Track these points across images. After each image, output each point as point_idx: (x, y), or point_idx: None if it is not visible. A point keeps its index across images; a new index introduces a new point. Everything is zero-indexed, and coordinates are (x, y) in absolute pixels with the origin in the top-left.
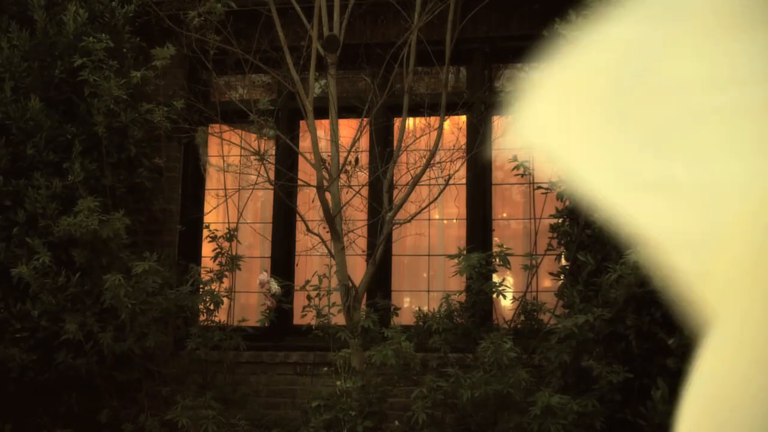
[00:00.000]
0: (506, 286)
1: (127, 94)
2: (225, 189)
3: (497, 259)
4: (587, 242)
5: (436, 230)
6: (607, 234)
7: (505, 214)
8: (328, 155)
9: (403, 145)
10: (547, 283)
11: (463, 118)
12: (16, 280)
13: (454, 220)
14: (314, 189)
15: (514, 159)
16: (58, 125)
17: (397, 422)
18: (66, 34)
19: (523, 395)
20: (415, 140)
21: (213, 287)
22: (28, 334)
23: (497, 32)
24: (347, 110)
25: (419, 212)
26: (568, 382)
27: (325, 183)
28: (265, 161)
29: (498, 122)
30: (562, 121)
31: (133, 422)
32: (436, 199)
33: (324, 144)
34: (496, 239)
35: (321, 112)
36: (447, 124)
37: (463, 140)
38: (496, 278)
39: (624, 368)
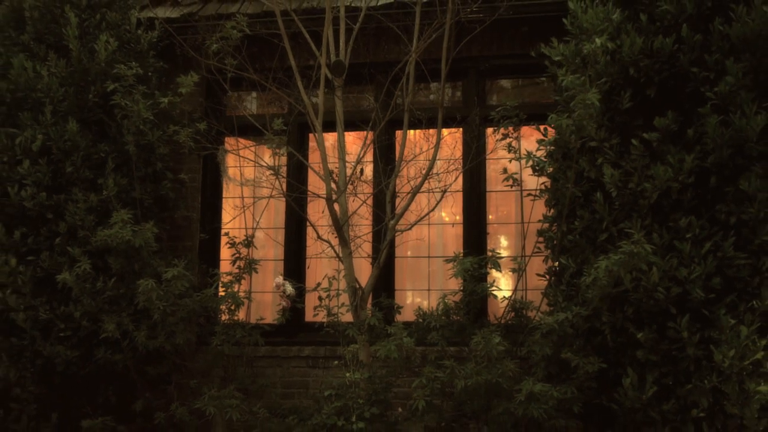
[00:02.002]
0: (497, 287)
1: (153, 114)
2: (242, 198)
3: (489, 263)
4: (569, 247)
5: (436, 233)
6: (585, 240)
7: (497, 217)
8: (336, 166)
9: (404, 158)
10: (537, 281)
11: (460, 129)
12: (60, 285)
13: (452, 225)
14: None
15: (505, 171)
16: (92, 144)
17: (400, 409)
18: (98, 62)
19: (511, 384)
20: (414, 157)
21: (234, 288)
22: (71, 333)
23: (490, 51)
24: (352, 124)
25: (419, 221)
26: (551, 372)
27: (334, 195)
28: (279, 175)
29: (491, 133)
30: None
31: (165, 411)
32: (433, 209)
33: (331, 155)
34: (497, 239)
35: (328, 126)
36: (445, 132)
37: (459, 150)
38: (497, 275)
39: (599, 359)
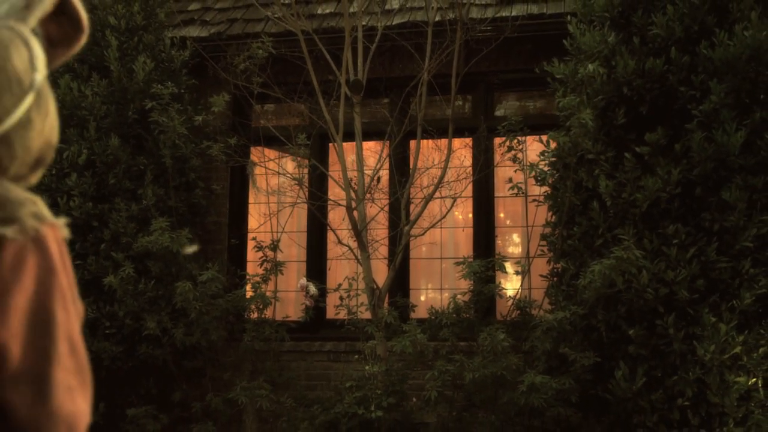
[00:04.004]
0: (503, 287)
1: (186, 129)
2: (268, 204)
3: (496, 266)
4: (568, 251)
5: (448, 236)
6: (583, 245)
7: (504, 221)
8: (354, 174)
9: (417, 167)
10: (541, 281)
11: (470, 139)
12: (106, 287)
13: (462, 229)
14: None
15: (510, 181)
16: (132, 158)
17: (415, 399)
18: (136, 81)
19: (515, 376)
20: (426, 170)
21: (262, 288)
22: (115, 330)
23: (497, 66)
24: (369, 134)
25: (431, 226)
26: (552, 365)
27: (353, 203)
28: (302, 185)
29: (498, 144)
30: None
31: (201, 401)
32: (444, 216)
33: (349, 164)
34: (505, 241)
35: (347, 136)
36: (456, 143)
37: (469, 159)
38: (504, 275)
39: (594, 354)
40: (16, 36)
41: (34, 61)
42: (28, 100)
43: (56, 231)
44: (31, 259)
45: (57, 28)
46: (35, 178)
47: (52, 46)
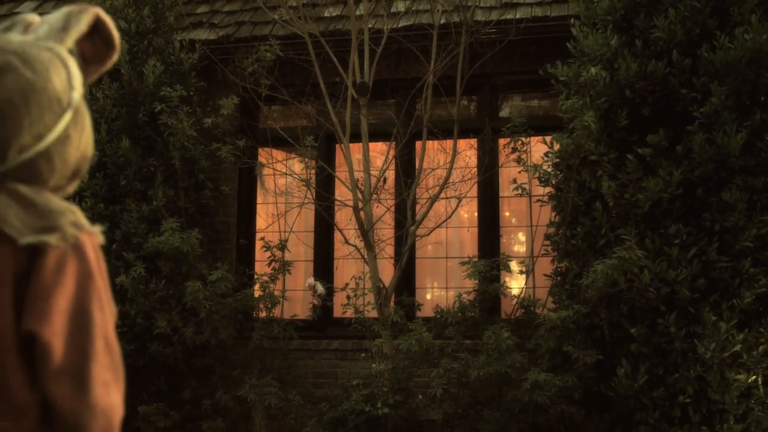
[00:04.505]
0: (508, 286)
1: (195, 131)
2: (276, 204)
3: (500, 265)
4: (572, 250)
5: (453, 235)
6: (586, 244)
7: (509, 220)
8: (360, 174)
9: (423, 168)
10: (545, 280)
11: (475, 140)
12: (117, 286)
13: (467, 229)
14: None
15: (514, 182)
16: (142, 159)
17: (421, 396)
18: (147, 84)
19: (519, 374)
20: (431, 171)
21: (270, 288)
22: (127, 329)
23: (501, 68)
24: (375, 135)
25: (437, 226)
26: (555, 363)
27: (360, 204)
28: (310, 187)
29: (503, 145)
30: None
31: (210, 398)
32: (450, 216)
33: (356, 165)
34: (510, 240)
35: (353, 137)
36: (462, 144)
37: (474, 160)
38: (514, 272)
39: (597, 352)
40: (55, 57)
41: (72, 81)
42: (67, 117)
43: (93, 238)
44: (71, 264)
45: (90, 47)
46: (72, 188)
47: (86, 63)
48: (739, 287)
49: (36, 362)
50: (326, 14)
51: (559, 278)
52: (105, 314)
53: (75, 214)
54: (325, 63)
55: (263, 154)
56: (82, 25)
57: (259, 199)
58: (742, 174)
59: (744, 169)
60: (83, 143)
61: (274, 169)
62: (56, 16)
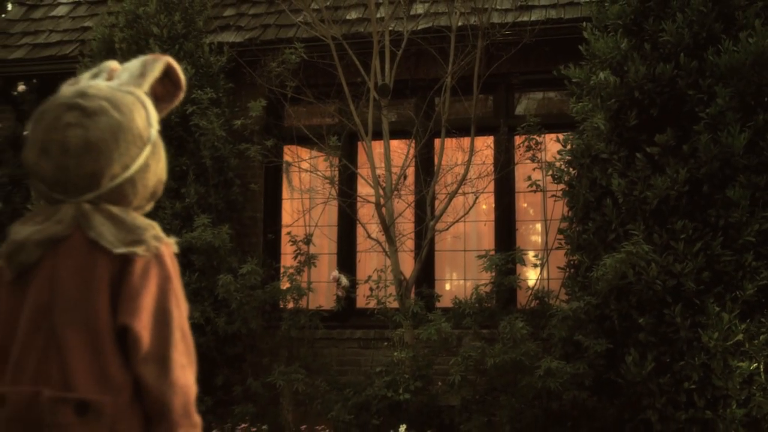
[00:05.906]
0: (523, 278)
1: (224, 131)
2: (301, 199)
3: (516, 259)
4: (584, 244)
5: (471, 229)
6: (597, 239)
7: (525, 215)
8: (382, 171)
9: (441, 166)
10: (559, 273)
11: (491, 138)
12: None
13: (485, 223)
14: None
15: (529, 178)
16: (175, 158)
17: (440, 383)
18: None
19: (533, 361)
20: (449, 169)
21: (297, 280)
22: None
23: (517, 68)
24: (395, 133)
25: (455, 222)
26: (568, 351)
27: (382, 200)
28: (333, 184)
29: (519, 143)
30: None
31: (241, 384)
32: (468, 212)
33: (377, 161)
34: (526, 233)
35: (375, 135)
36: (479, 142)
37: (491, 157)
38: (524, 267)
39: (607, 341)
40: (136, 100)
41: (150, 119)
42: (147, 150)
43: (169, 248)
44: (154, 270)
45: (161, 88)
46: (149, 207)
47: (157, 101)
48: (741, 280)
49: (128, 350)
50: (348, 17)
51: (571, 271)
52: (181, 310)
53: (155, 228)
54: (348, 66)
55: (288, 152)
56: (156, 72)
57: (285, 195)
58: (745, 172)
59: (747, 167)
60: (159, 170)
61: (299, 167)
62: (134, 64)
